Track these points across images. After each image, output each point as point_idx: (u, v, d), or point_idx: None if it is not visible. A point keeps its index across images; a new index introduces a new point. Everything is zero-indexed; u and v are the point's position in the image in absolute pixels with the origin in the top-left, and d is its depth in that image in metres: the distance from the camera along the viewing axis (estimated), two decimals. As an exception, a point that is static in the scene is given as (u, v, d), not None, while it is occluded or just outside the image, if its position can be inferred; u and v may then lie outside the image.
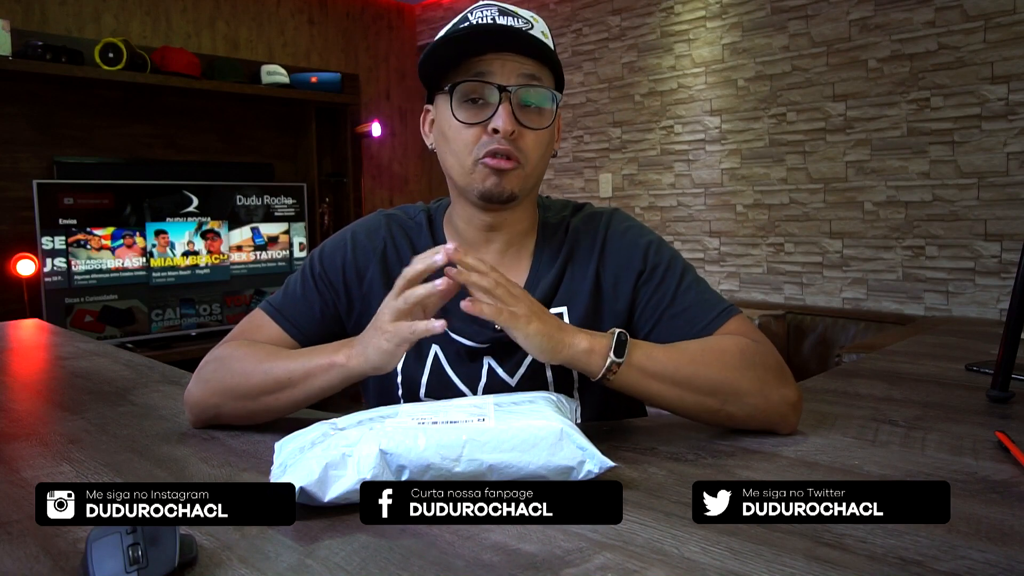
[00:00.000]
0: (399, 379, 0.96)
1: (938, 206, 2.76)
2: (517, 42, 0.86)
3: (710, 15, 3.40)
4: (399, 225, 1.00)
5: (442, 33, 0.90)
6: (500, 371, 0.93)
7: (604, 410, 0.96)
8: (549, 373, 0.93)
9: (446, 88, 0.89)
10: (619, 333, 0.81)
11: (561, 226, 0.99)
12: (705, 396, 0.82)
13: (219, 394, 0.89)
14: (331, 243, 1.01)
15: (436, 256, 0.77)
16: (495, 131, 0.86)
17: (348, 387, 0.86)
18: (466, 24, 0.88)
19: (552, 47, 0.90)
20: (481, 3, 0.90)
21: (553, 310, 0.94)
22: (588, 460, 0.67)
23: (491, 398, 0.80)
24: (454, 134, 0.89)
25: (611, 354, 0.79)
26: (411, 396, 0.95)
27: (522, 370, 0.93)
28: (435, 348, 0.94)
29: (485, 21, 0.87)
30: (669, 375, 0.82)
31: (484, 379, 0.93)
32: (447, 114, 0.89)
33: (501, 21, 0.86)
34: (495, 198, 0.89)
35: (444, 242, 0.98)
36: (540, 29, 0.90)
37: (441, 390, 0.93)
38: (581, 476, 0.67)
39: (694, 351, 0.85)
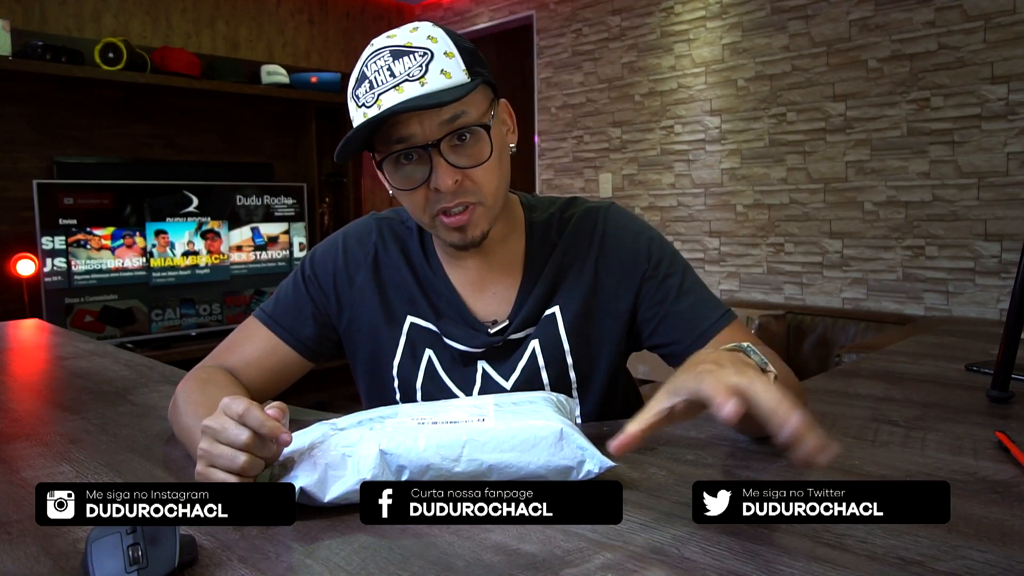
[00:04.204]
0: (396, 383, 0.96)
1: (938, 206, 2.76)
2: (421, 103, 0.78)
3: (710, 15, 3.40)
4: (390, 229, 0.99)
5: (350, 111, 0.84)
6: (495, 375, 0.93)
7: (604, 410, 0.96)
8: (545, 376, 0.93)
9: (373, 159, 0.86)
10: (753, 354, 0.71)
11: (551, 223, 0.97)
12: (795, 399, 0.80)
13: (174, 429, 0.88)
14: (322, 248, 1.00)
15: (283, 436, 0.63)
16: (438, 190, 0.82)
17: (348, 387, 0.86)
18: (365, 89, 0.81)
19: (462, 75, 0.81)
20: (372, 52, 0.82)
21: (547, 311, 0.93)
22: (588, 460, 0.67)
23: (491, 398, 0.80)
24: (403, 198, 0.87)
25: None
26: (406, 400, 0.95)
27: (516, 374, 0.93)
28: (429, 352, 0.94)
29: (382, 80, 0.80)
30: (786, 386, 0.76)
31: (479, 383, 0.93)
32: (390, 185, 0.86)
33: (397, 68, 0.79)
34: (466, 247, 0.88)
35: (435, 256, 0.96)
36: (443, 49, 0.81)
37: (435, 393, 0.94)
38: (581, 476, 0.67)
39: (777, 357, 0.82)
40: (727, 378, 0.58)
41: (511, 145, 0.91)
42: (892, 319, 2.80)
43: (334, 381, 3.47)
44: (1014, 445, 0.77)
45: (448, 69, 0.80)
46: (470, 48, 0.85)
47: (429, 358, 0.94)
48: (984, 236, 2.66)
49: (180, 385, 0.90)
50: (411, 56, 0.80)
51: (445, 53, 0.81)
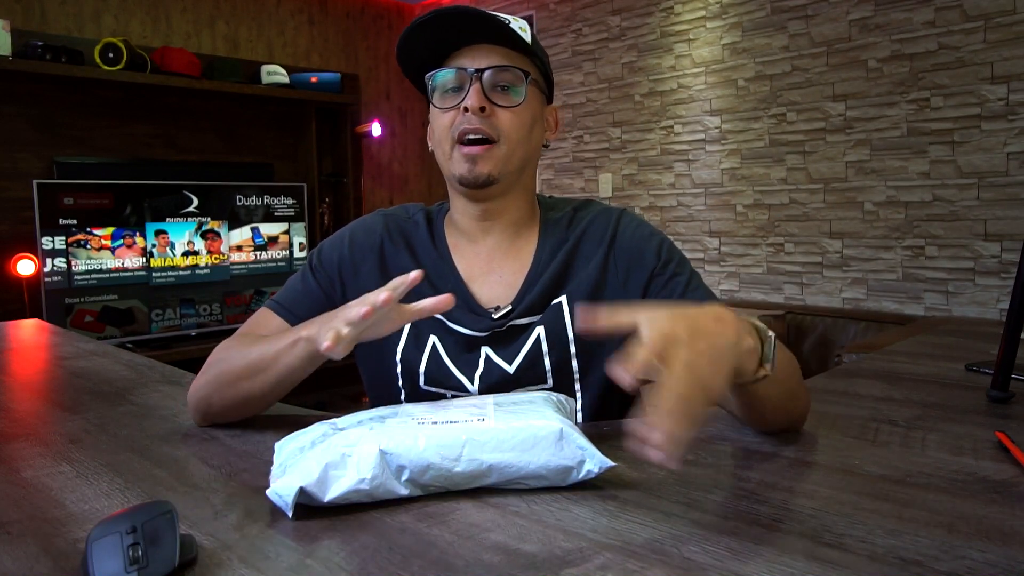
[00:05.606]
0: (399, 369, 0.97)
1: (938, 206, 2.76)
2: (483, 27, 0.90)
3: (710, 15, 3.40)
4: (396, 223, 1.03)
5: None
6: (498, 359, 0.94)
7: (603, 409, 0.96)
8: (547, 363, 0.94)
9: (426, 79, 0.95)
10: (765, 330, 0.70)
11: (564, 219, 1.01)
12: (796, 386, 0.82)
13: (210, 384, 0.90)
14: (329, 241, 1.04)
15: (411, 274, 0.77)
16: (466, 110, 0.90)
17: (348, 387, 0.86)
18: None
19: (528, 40, 0.93)
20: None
21: (554, 300, 0.96)
22: (588, 460, 0.67)
23: (491, 398, 0.80)
24: (435, 121, 0.95)
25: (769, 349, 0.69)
26: (411, 385, 0.96)
27: (519, 359, 0.94)
28: (433, 338, 0.96)
29: (463, 9, 0.90)
30: (787, 372, 0.79)
31: (482, 367, 0.94)
32: (431, 107, 0.95)
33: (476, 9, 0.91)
34: (472, 183, 0.93)
35: (444, 242, 1.02)
36: (517, 25, 0.93)
37: (439, 378, 0.95)
38: (581, 476, 0.67)
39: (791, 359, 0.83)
40: (673, 328, 0.58)
41: (545, 140, 1.01)
42: (892, 319, 2.80)
43: (334, 381, 3.47)
44: (1014, 445, 0.77)
45: (525, 28, 0.94)
46: (540, 45, 0.98)
47: (433, 344, 0.96)
48: (984, 236, 2.66)
49: (212, 355, 0.92)
50: (492, 14, 0.92)
51: (520, 27, 0.93)
